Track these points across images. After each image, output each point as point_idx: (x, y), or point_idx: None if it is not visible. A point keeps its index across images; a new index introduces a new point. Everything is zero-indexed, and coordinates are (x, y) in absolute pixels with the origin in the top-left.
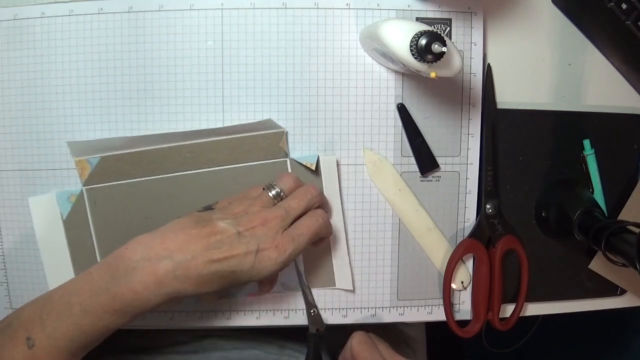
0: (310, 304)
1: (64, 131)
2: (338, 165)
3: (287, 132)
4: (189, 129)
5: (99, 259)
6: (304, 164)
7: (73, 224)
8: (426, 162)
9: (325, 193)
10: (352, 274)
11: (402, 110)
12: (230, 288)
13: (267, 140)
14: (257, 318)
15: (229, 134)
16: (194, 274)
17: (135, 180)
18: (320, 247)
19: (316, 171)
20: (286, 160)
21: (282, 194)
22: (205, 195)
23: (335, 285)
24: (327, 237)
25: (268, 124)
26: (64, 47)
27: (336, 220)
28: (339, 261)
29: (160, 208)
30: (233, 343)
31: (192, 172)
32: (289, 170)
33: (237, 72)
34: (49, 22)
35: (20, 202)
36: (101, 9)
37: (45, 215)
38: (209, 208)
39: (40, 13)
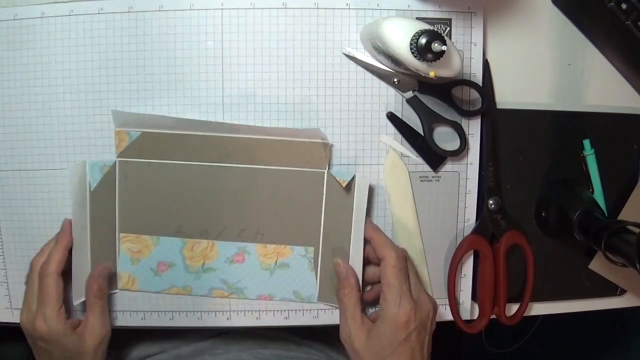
0: (388, 76)
1: (63, 131)
2: (370, 188)
3: (332, 145)
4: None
5: (117, 237)
6: (338, 179)
7: (99, 196)
8: (433, 158)
9: (354, 212)
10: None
11: (392, 118)
12: None
13: (310, 149)
14: (257, 318)
15: (273, 135)
16: None
17: (171, 162)
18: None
19: (348, 188)
20: (324, 173)
21: None
22: (237, 191)
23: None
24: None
25: (314, 133)
26: (64, 47)
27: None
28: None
29: (189, 195)
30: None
31: (229, 165)
32: (325, 182)
33: (237, 72)
34: (49, 22)
35: (20, 202)
36: (101, 9)
37: (77, 184)
38: None
39: (40, 13)
